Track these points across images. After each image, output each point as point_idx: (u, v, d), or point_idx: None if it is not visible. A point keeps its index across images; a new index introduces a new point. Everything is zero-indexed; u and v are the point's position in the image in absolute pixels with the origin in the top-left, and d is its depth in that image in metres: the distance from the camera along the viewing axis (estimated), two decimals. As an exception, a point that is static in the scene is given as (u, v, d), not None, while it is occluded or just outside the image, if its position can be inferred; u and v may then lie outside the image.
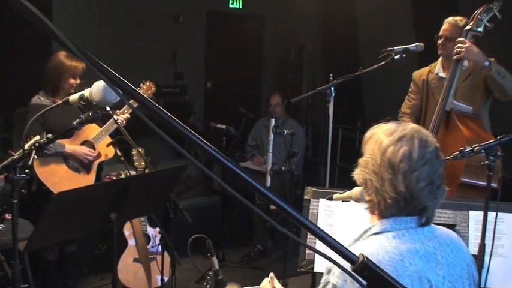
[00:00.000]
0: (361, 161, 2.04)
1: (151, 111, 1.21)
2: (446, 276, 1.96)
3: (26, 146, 2.88)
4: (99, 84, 2.36)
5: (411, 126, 2.01)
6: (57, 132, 4.42)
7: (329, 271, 1.95)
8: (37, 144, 2.88)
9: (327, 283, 1.94)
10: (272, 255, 7.05)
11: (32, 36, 7.27)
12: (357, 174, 2.06)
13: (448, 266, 1.98)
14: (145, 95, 1.23)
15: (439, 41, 4.71)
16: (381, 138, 1.98)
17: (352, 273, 1.31)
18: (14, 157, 2.83)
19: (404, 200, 1.94)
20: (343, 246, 1.29)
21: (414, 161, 1.91)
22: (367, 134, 2.08)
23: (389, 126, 2.02)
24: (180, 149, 1.26)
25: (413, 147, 1.92)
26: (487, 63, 4.30)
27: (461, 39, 4.39)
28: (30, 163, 2.87)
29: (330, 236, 1.30)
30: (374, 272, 1.27)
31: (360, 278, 1.28)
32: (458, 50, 4.35)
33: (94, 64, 1.18)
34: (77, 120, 2.84)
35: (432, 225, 2.05)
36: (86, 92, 2.44)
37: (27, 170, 2.92)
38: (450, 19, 4.70)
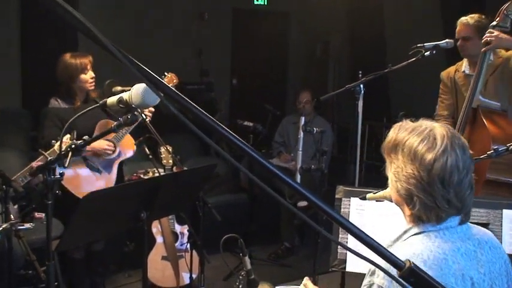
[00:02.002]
0: (396, 174, 1.98)
1: (189, 111, 1.21)
2: (487, 274, 1.97)
3: (63, 147, 2.88)
4: (138, 87, 2.35)
5: (444, 130, 1.94)
6: (78, 132, 4.46)
7: (373, 272, 1.94)
8: (73, 146, 2.88)
9: (371, 285, 1.93)
10: (300, 253, 7.03)
11: (60, 34, 7.34)
12: (398, 188, 1.98)
13: (488, 263, 1.99)
14: (185, 98, 1.22)
15: (458, 43, 4.69)
16: (420, 151, 1.90)
17: (396, 276, 1.30)
18: (50, 158, 2.84)
19: (457, 210, 1.94)
20: (387, 250, 1.27)
21: (461, 171, 1.89)
22: (391, 140, 2.02)
23: (421, 132, 1.95)
24: (218, 149, 1.26)
25: (458, 156, 1.89)
26: None
27: (489, 30, 4.36)
28: (67, 165, 2.87)
29: (373, 238, 1.28)
30: (421, 278, 1.25)
31: (406, 284, 1.26)
32: (488, 39, 4.31)
33: (136, 67, 1.17)
34: (116, 123, 2.84)
35: (468, 223, 2.04)
36: (125, 95, 2.42)
37: (61, 171, 2.93)
38: (461, 19, 4.70)
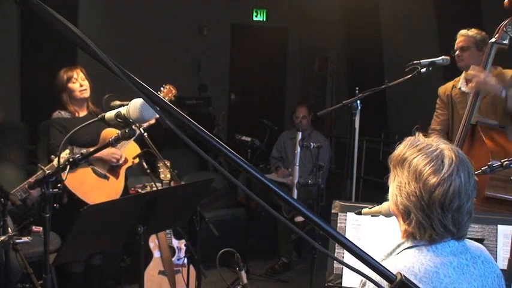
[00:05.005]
0: (398, 187, 1.99)
1: (186, 126, 1.24)
2: (480, 287, 1.98)
3: (61, 161, 2.90)
4: (136, 102, 2.36)
5: (453, 155, 1.94)
6: (81, 144, 4.51)
7: (364, 284, 1.98)
8: (71, 160, 2.91)
9: None
10: (296, 268, 7.02)
11: (58, 49, 7.38)
12: (397, 202, 1.99)
13: (481, 277, 2.00)
14: (182, 113, 1.25)
15: (456, 54, 4.71)
16: (425, 172, 1.91)
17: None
18: (48, 172, 2.86)
19: (451, 235, 1.95)
20: (379, 263, 1.29)
21: (462, 198, 1.90)
22: (398, 154, 2.02)
23: (429, 153, 1.95)
24: (215, 165, 1.29)
25: (461, 183, 1.90)
26: (504, 94, 4.29)
27: (479, 68, 4.38)
28: (64, 178, 2.89)
29: (365, 252, 1.30)
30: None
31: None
32: (476, 79, 4.34)
33: (134, 83, 1.20)
34: (113, 137, 2.86)
35: None
36: (123, 110, 2.44)
37: (59, 185, 2.95)
38: (462, 32, 4.72)
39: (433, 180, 1.88)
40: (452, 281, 1.91)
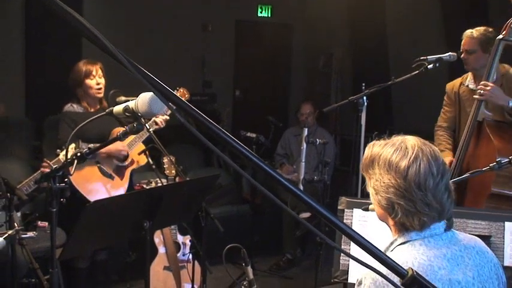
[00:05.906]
0: (375, 186, 2.06)
1: (194, 118, 1.23)
2: (476, 277, 2.00)
3: (68, 156, 2.89)
4: (145, 96, 2.36)
5: (414, 140, 2.05)
6: (90, 139, 4.50)
7: (360, 283, 2.00)
8: (79, 154, 2.89)
9: None
10: (301, 265, 7.02)
11: (63, 45, 7.36)
12: (379, 200, 2.06)
13: (477, 267, 2.03)
14: (192, 106, 1.24)
15: (462, 56, 4.69)
16: (394, 160, 2.00)
17: (399, 285, 1.31)
18: (55, 166, 2.85)
19: (438, 214, 2.00)
20: (391, 259, 1.29)
21: (435, 176, 1.98)
22: (366, 158, 2.12)
23: (393, 144, 2.05)
24: (223, 157, 1.28)
25: (430, 162, 1.98)
26: (511, 104, 4.29)
27: (484, 82, 4.38)
28: (72, 173, 2.88)
29: (375, 246, 1.30)
30: (424, 287, 1.25)
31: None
32: (482, 92, 4.34)
33: (145, 77, 1.19)
34: (121, 131, 2.85)
35: (454, 230, 2.10)
36: (131, 104, 2.44)
37: (66, 179, 2.94)
38: (466, 32, 4.69)
39: (403, 164, 1.98)
40: (447, 272, 1.94)
